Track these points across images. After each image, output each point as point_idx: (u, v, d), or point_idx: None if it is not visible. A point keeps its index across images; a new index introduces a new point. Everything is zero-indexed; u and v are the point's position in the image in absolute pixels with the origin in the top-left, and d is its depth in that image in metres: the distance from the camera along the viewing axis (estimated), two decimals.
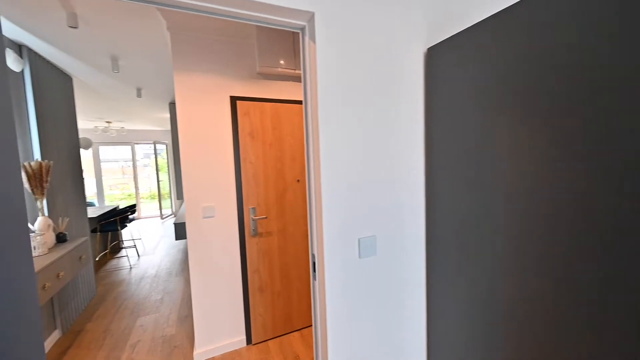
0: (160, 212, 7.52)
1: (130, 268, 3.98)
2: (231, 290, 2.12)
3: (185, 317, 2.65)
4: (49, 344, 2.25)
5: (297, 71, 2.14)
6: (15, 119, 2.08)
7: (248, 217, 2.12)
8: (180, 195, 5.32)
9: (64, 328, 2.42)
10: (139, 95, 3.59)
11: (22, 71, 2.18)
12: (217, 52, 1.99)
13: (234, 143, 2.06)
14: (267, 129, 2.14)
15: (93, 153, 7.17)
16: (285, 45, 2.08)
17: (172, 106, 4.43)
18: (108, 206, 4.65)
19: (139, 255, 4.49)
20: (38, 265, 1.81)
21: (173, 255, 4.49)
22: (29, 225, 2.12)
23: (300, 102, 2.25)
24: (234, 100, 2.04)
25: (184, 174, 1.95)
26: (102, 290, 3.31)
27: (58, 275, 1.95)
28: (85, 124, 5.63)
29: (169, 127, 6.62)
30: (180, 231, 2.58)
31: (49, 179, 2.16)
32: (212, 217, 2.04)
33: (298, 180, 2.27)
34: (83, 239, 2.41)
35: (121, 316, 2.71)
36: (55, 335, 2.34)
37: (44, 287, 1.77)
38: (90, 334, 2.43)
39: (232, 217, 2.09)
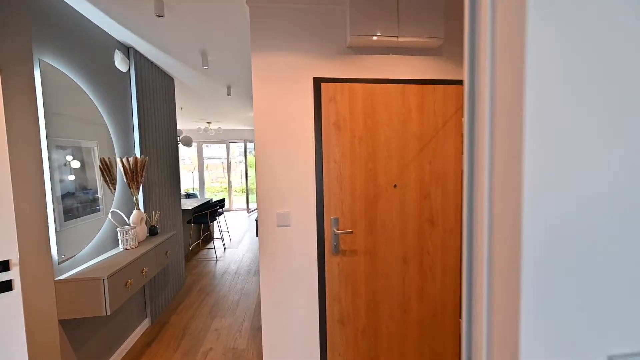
0: (247, 206, 8.07)
1: (216, 260, 4.17)
2: (306, 318, 1.72)
3: (257, 329, 2.43)
4: (138, 332, 2.34)
5: (400, 39, 1.57)
6: (120, 117, 2.19)
7: (329, 229, 1.67)
8: None
9: (152, 317, 2.52)
10: (228, 93, 3.66)
11: (128, 71, 2.31)
12: (299, 24, 1.60)
13: (315, 136, 1.65)
14: (356, 118, 1.65)
15: (197, 151, 8.22)
16: (385, 5, 1.54)
17: None
18: (203, 199, 5.07)
19: (225, 248, 4.72)
20: (126, 259, 1.81)
21: (254, 251, 4.53)
22: (125, 218, 2.24)
23: (402, 82, 1.67)
24: (317, 82, 1.62)
25: (257, 173, 1.65)
26: (190, 280, 3.48)
27: (142, 272, 1.93)
28: (190, 125, 6.41)
29: None
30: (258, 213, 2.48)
31: (144, 173, 2.22)
32: (288, 226, 1.68)
33: (395, 186, 1.70)
34: (171, 233, 2.44)
35: (200, 313, 2.70)
36: (144, 324, 2.44)
37: (126, 284, 1.74)
38: (172, 329, 2.45)
39: (310, 228, 1.69)
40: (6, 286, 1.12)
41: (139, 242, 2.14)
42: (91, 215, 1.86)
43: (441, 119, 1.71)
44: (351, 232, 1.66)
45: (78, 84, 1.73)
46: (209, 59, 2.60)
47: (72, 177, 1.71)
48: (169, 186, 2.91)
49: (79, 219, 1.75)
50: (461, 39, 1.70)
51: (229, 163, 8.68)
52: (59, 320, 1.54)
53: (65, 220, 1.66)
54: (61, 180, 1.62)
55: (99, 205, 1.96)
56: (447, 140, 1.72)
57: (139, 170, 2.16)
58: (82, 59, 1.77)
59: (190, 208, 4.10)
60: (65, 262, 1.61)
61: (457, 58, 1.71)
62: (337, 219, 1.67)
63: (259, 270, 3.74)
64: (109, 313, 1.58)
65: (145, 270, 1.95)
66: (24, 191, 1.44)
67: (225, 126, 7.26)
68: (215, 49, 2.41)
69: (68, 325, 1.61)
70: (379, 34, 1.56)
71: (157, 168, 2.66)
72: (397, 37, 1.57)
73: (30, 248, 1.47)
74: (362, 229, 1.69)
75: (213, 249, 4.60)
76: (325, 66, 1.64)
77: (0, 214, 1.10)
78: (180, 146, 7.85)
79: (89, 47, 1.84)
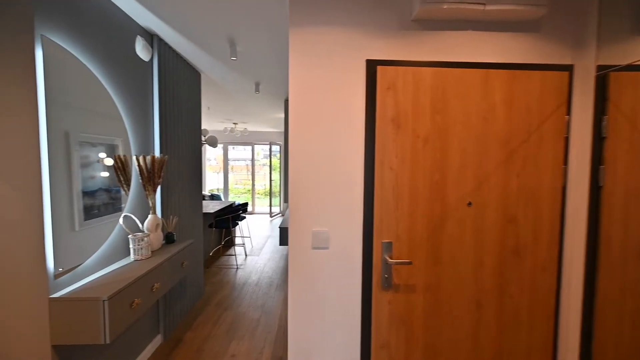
0: (270, 210, 7.86)
1: (237, 268, 3.91)
2: None
3: (280, 359, 2.08)
4: (149, 351, 2.08)
5: (488, 7, 1.17)
6: (139, 111, 1.97)
7: (379, 257, 1.29)
8: (287, 198, 5.16)
9: (166, 333, 2.26)
10: (257, 90, 3.42)
11: (151, 61, 2.10)
12: None
13: (366, 135, 1.28)
14: (422, 113, 1.26)
15: (223, 152, 8.18)
16: None
17: (287, 104, 4.19)
18: (226, 202, 4.88)
19: (246, 255, 4.47)
20: (134, 274, 1.54)
21: (276, 261, 4.23)
22: (139, 224, 2.00)
23: (484, 66, 1.26)
24: (372, 65, 1.26)
25: (290, 180, 1.31)
26: (209, 290, 3.23)
27: (153, 288, 1.66)
28: (216, 125, 6.31)
29: (283, 128, 6.74)
30: (284, 237, 2.28)
31: (162, 174, 1.98)
32: (325, 248, 1.32)
33: (469, 204, 1.28)
34: (188, 242, 2.18)
35: (217, 333, 2.41)
36: (157, 341, 2.18)
37: (132, 304, 1.47)
38: (185, 350, 2.17)
39: (354, 253, 1.32)
40: None
41: (152, 252, 1.88)
42: (113, 214, 1.72)
43: (536, 117, 1.27)
44: (409, 264, 1.27)
45: (91, 69, 1.51)
46: (237, 49, 2.34)
47: (95, 174, 1.59)
48: (190, 188, 2.68)
49: (99, 218, 1.61)
50: (571, 9, 1.26)
51: (253, 165, 8.56)
52: (52, 346, 1.29)
53: (85, 220, 1.51)
54: (91, 177, 1.55)
55: (122, 204, 1.79)
56: (543, 146, 1.28)
57: (156, 170, 1.91)
58: (96, 42, 1.55)
59: (212, 211, 3.88)
60: (66, 275, 1.36)
61: (563, 35, 1.27)
62: (390, 244, 1.28)
63: (281, 284, 3.42)
64: (108, 341, 1.30)
65: (156, 286, 1.68)
66: (20, 192, 1.21)
67: (252, 127, 7.12)
68: (244, 37, 2.14)
69: (63, 350, 1.36)
70: (458, 2, 1.17)
71: (177, 168, 2.43)
72: (485, 4, 1.17)
73: (24, 257, 1.23)
74: (422, 258, 1.29)
75: (234, 256, 4.36)
76: (382, 45, 1.27)
77: None
78: (207, 146, 7.83)
79: (105, 29, 1.62)
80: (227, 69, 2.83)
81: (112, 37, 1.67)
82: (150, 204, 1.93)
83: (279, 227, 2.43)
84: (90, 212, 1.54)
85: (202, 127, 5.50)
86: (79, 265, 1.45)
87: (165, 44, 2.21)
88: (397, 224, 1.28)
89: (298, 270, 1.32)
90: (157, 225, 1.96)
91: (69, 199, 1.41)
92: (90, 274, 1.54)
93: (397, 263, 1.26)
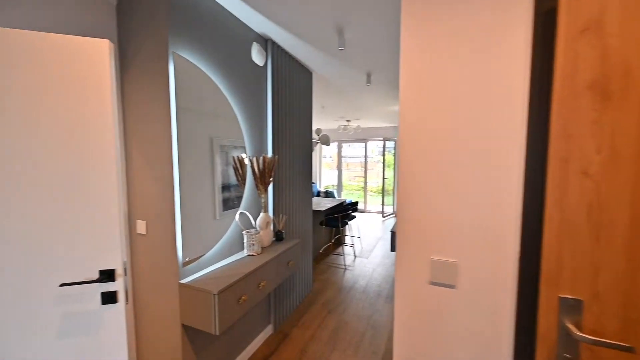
0: (382, 210, 7.49)
1: (345, 269, 3.82)
2: None
3: None
4: (260, 339, 2.23)
5: None
6: (254, 114, 2.10)
7: (552, 320, 0.76)
8: None
9: (275, 325, 2.38)
10: (368, 82, 3.16)
11: (265, 65, 2.20)
12: None
13: (530, 115, 0.78)
14: None
15: (337, 149, 8.42)
16: None
17: None
18: (337, 200, 4.91)
19: (355, 256, 4.33)
20: (242, 270, 1.62)
21: (386, 267, 3.88)
22: (252, 220, 2.13)
23: None
24: None
25: (400, 183, 0.97)
26: (317, 287, 3.26)
27: (259, 285, 1.70)
28: (331, 124, 6.49)
29: (397, 122, 6.21)
30: (395, 243, 1.96)
31: (273, 174, 2.04)
32: (451, 287, 0.91)
33: None
34: (295, 241, 2.19)
35: (320, 336, 2.34)
36: (267, 331, 2.32)
37: (239, 300, 1.53)
38: (290, 346, 2.20)
39: (500, 301, 0.84)
40: (110, 298, 1.02)
41: (262, 248, 1.97)
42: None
43: None
44: (629, 350, 0.68)
45: (213, 79, 1.66)
46: (345, 37, 2.14)
47: (225, 173, 1.81)
48: (300, 187, 2.74)
49: (233, 209, 1.87)
50: None
51: (365, 162, 8.40)
52: (182, 324, 1.49)
53: (224, 210, 1.79)
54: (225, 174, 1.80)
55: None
56: None
57: (267, 170, 1.98)
58: (217, 53, 1.69)
59: (323, 209, 3.94)
60: (192, 264, 1.55)
61: None
62: (577, 304, 0.73)
63: (390, 296, 3.05)
64: (217, 333, 1.39)
65: (262, 284, 1.72)
66: (161, 189, 1.44)
67: (364, 124, 6.95)
68: (352, 22, 1.91)
69: (189, 329, 1.56)
70: None
71: (289, 168, 2.50)
72: None
73: (165, 246, 1.47)
74: None
75: (342, 256, 4.31)
76: None
77: (103, 217, 1.01)
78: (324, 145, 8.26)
79: (224, 39, 1.75)
80: (336, 63, 2.71)
81: (229, 46, 1.80)
82: (262, 202, 2.02)
83: (391, 231, 2.10)
84: (227, 204, 1.81)
85: (317, 127, 5.76)
86: (202, 255, 1.63)
87: (279, 46, 2.27)
88: (596, 271, 0.71)
89: (407, 311, 0.97)
90: (268, 223, 2.04)
91: (212, 192, 1.67)
92: (209, 265, 1.70)
93: (595, 342, 0.70)
